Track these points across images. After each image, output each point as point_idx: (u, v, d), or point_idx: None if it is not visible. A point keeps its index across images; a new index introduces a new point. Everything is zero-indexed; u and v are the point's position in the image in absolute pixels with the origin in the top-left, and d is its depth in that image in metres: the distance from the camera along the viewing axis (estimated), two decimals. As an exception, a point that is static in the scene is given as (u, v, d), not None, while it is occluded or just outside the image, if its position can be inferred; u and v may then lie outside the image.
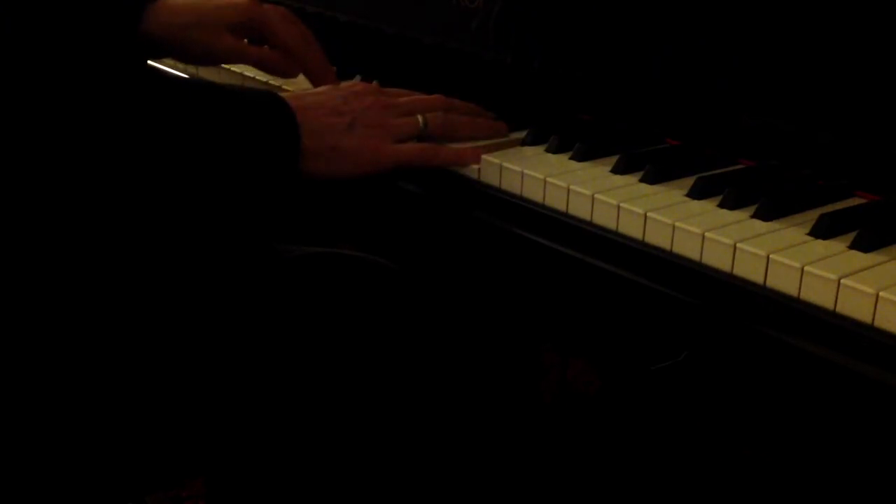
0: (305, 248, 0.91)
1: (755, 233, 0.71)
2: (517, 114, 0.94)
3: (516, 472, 1.16)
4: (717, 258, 0.70)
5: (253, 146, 0.78)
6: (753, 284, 0.68)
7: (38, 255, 0.74)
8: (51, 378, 0.76)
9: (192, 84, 0.84)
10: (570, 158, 0.85)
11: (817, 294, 0.65)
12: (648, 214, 0.74)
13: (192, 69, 1.04)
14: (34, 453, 0.76)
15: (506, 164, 0.83)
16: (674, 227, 0.72)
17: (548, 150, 0.87)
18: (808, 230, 0.72)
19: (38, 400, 0.76)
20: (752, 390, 0.95)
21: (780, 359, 0.66)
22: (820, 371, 0.64)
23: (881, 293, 0.62)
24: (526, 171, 0.81)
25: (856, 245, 0.69)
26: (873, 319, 0.63)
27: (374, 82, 0.94)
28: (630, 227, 0.75)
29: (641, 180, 0.81)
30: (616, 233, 0.76)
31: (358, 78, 1.04)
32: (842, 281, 0.64)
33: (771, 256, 0.67)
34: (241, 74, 1.07)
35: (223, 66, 1.05)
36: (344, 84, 0.89)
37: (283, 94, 0.82)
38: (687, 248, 0.72)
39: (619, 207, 0.75)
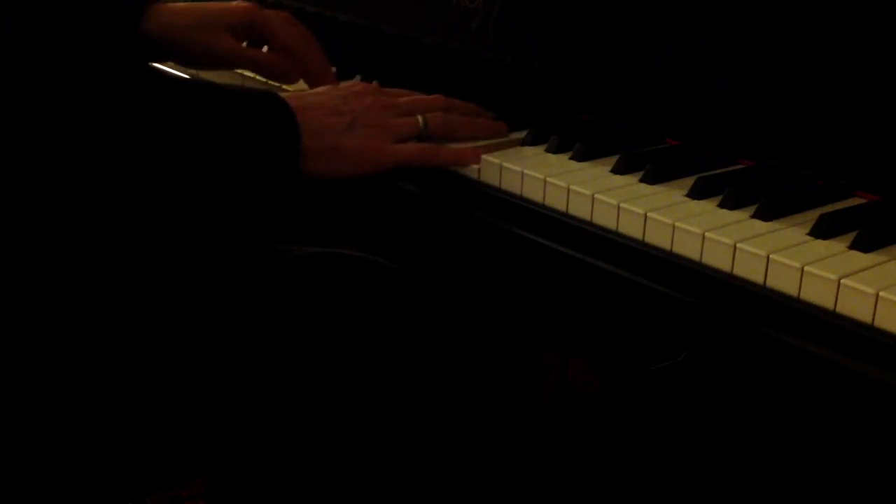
0: (305, 248, 0.91)
1: (755, 233, 0.71)
2: (517, 114, 0.94)
3: (516, 472, 1.16)
4: (717, 258, 0.70)
5: (253, 146, 0.78)
6: (753, 284, 0.68)
7: (38, 256, 0.74)
8: (51, 378, 0.76)
9: (193, 84, 0.84)
10: (570, 158, 0.85)
11: (817, 294, 0.65)
12: (648, 214, 0.74)
13: (191, 71, 1.04)
14: (34, 453, 0.76)
15: (506, 164, 0.83)
16: (674, 227, 0.72)
17: (548, 150, 0.87)
18: (808, 230, 0.72)
19: (39, 400, 0.76)
20: (752, 390, 0.95)
21: (780, 359, 0.66)
22: (820, 371, 0.64)
23: (881, 293, 0.62)
24: (526, 171, 0.81)
25: (856, 245, 0.69)
26: (873, 319, 0.63)
27: (374, 82, 0.94)
28: (630, 227, 0.75)
29: (641, 180, 0.81)
30: (616, 233, 0.76)
31: (358, 78, 1.04)
32: (842, 281, 0.64)
33: (771, 256, 0.67)
34: (241, 74, 1.07)
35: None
36: (344, 84, 0.89)
37: (283, 94, 0.82)
38: (687, 248, 0.72)
39: (619, 207, 0.75)
